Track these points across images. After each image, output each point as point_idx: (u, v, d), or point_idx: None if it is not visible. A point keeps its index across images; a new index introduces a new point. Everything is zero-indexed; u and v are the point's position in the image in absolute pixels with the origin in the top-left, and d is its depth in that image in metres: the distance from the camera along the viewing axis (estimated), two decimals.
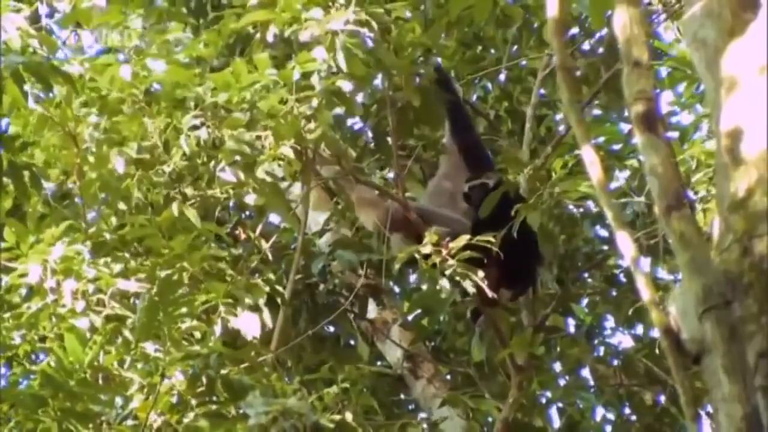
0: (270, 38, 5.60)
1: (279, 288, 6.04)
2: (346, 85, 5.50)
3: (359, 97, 5.84)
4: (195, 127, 5.45)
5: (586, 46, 7.36)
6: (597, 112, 7.80)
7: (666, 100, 7.68)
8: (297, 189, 6.68)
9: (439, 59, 6.92)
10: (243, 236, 6.94)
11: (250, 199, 5.61)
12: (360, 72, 5.51)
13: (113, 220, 5.73)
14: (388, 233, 6.38)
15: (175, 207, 5.41)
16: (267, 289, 5.69)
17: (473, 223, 6.30)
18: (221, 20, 5.93)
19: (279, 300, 6.03)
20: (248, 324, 5.48)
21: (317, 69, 5.47)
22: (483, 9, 5.54)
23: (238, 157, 5.42)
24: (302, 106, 5.44)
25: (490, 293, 5.94)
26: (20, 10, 5.41)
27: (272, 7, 5.59)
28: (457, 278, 5.83)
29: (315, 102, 5.45)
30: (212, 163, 5.47)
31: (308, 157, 5.80)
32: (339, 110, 5.75)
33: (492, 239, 5.78)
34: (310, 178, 6.05)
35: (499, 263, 5.99)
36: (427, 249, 5.81)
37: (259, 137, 5.45)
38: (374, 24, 5.53)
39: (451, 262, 5.79)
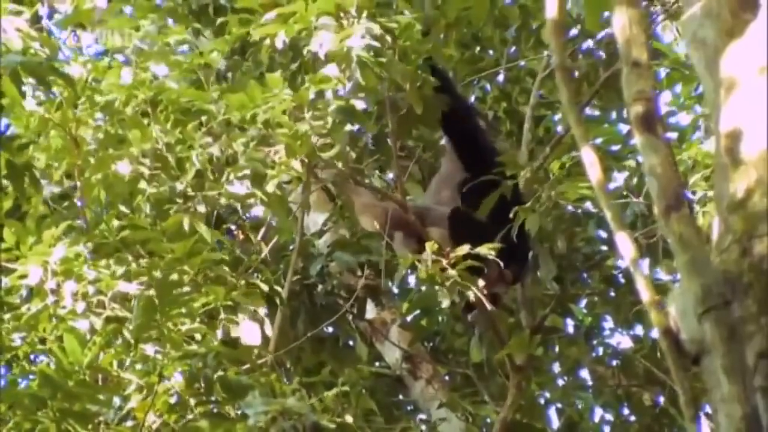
0: (279, 45, 5.58)
1: (278, 288, 6.03)
2: (360, 104, 5.49)
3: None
4: (206, 144, 5.45)
5: (585, 45, 7.36)
6: (595, 113, 7.81)
7: (664, 100, 7.70)
8: (297, 191, 6.67)
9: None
10: (242, 236, 6.94)
11: (258, 211, 5.60)
12: (373, 84, 5.50)
13: (115, 222, 5.72)
14: (389, 233, 6.36)
15: (186, 221, 5.39)
16: (266, 289, 5.68)
17: (450, 216, 6.29)
18: (226, 25, 5.90)
19: (277, 301, 6.03)
20: (248, 333, 5.49)
21: (331, 88, 5.46)
22: (481, 10, 5.53)
23: (247, 171, 5.41)
24: (316, 124, 5.42)
25: (488, 305, 5.92)
26: (21, 13, 5.38)
27: (284, 19, 5.56)
28: (458, 288, 5.80)
29: (329, 120, 5.43)
30: (222, 178, 5.46)
31: (310, 164, 5.79)
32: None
33: (493, 247, 5.75)
34: (310, 182, 6.04)
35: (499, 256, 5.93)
36: (425, 259, 5.77)
37: (269, 153, 5.44)
38: (387, 37, 5.51)
39: (451, 272, 5.77)
